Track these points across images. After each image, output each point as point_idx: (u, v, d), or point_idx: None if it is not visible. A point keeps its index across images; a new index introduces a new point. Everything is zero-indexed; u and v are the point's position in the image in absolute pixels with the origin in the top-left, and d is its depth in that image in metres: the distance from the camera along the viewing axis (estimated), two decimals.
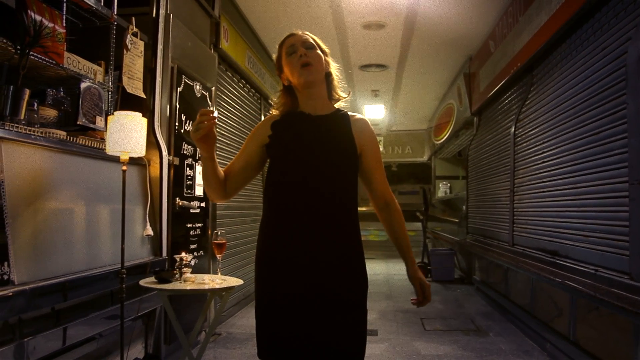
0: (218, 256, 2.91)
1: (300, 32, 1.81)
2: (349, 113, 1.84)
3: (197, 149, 3.93)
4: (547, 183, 4.03)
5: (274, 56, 1.85)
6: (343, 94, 1.86)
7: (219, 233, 2.88)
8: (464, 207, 7.47)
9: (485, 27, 5.75)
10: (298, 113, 1.81)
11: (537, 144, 4.28)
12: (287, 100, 1.85)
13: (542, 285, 4.05)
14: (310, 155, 1.70)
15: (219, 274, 3.01)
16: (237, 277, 3.09)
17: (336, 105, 1.86)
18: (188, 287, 2.75)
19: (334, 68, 1.85)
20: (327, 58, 1.81)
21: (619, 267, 2.84)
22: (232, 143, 5.14)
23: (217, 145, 4.99)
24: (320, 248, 1.64)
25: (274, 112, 1.87)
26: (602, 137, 3.10)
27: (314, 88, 1.77)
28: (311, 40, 1.78)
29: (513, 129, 4.99)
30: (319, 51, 1.77)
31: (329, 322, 1.63)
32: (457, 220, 8.14)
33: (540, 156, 4.21)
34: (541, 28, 4.15)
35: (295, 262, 1.64)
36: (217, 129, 5.13)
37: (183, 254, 2.97)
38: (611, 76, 3.01)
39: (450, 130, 8.68)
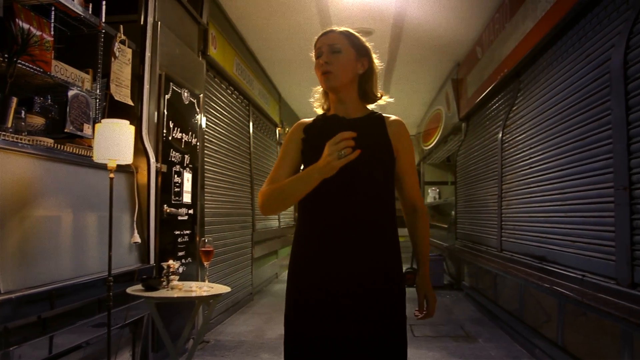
0: (205, 263, 2.90)
1: (337, 30, 1.75)
2: (384, 115, 1.80)
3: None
4: (534, 188, 4.06)
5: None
6: (377, 94, 1.80)
7: (206, 240, 2.87)
8: (452, 212, 7.50)
9: (472, 33, 5.80)
10: (331, 117, 1.78)
11: (524, 149, 4.32)
12: (326, 99, 1.83)
13: (530, 291, 4.07)
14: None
15: (207, 281, 2.99)
16: (225, 285, 3.08)
17: (370, 107, 1.82)
18: (175, 295, 2.73)
19: (376, 66, 1.79)
20: (362, 58, 1.75)
21: (605, 273, 2.86)
22: (220, 150, 5.14)
23: (206, 152, 4.99)
24: (359, 255, 1.61)
25: (316, 111, 1.86)
26: (588, 142, 3.13)
27: (341, 92, 1.74)
28: (339, 44, 1.71)
29: (500, 135, 5.03)
30: (346, 54, 1.71)
31: (370, 331, 1.60)
32: (446, 226, 8.17)
33: (527, 162, 4.24)
34: (527, 34, 4.20)
35: (335, 270, 1.61)
36: (205, 137, 5.09)
37: (170, 262, 2.95)
38: (596, 82, 3.05)
39: (438, 136, 8.73)
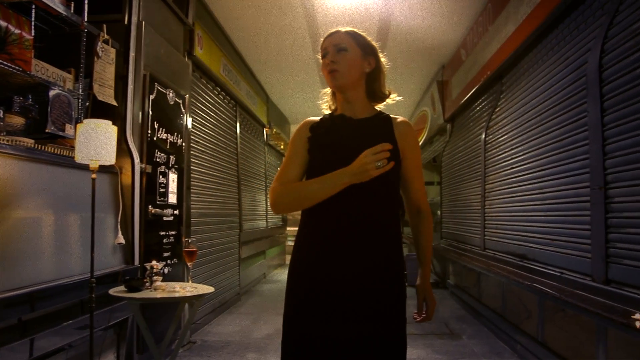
0: (189, 264, 2.92)
1: (342, 30, 1.75)
2: (391, 116, 1.79)
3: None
4: (515, 188, 4.12)
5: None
6: (386, 93, 1.80)
7: (189, 241, 2.89)
8: (438, 212, 7.56)
9: (457, 36, 5.85)
10: (338, 116, 1.76)
11: (506, 150, 4.38)
12: (334, 100, 1.83)
13: (512, 289, 4.13)
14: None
15: (190, 281, 3.01)
16: (212, 285, 3.10)
17: (377, 108, 1.82)
18: (158, 296, 2.74)
19: (384, 65, 1.79)
20: (368, 56, 1.74)
21: (582, 270, 2.92)
22: (207, 150, 5.14)
23: (192, 153, 4.97)
24: (363, 256, 1.60)
25: (327, 105, 1.85)
26: (566, 143, 3.19)
27: (348, 92, 1.73)
28: (344, 43, 1.71)
29: (484, 136, 5.09)
30: (352, 52, 1.71)
31: (371, 332, 1.59)
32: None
33: (509, 162, 4.30)
34: (509, 37, 4.26)
35: (339, 270, 1.60)
36: (191, 137, 5.07)
37: (153, 262, 2.96)
38: (573, 85, 3.10)
39: (424, 137, 8.78)
